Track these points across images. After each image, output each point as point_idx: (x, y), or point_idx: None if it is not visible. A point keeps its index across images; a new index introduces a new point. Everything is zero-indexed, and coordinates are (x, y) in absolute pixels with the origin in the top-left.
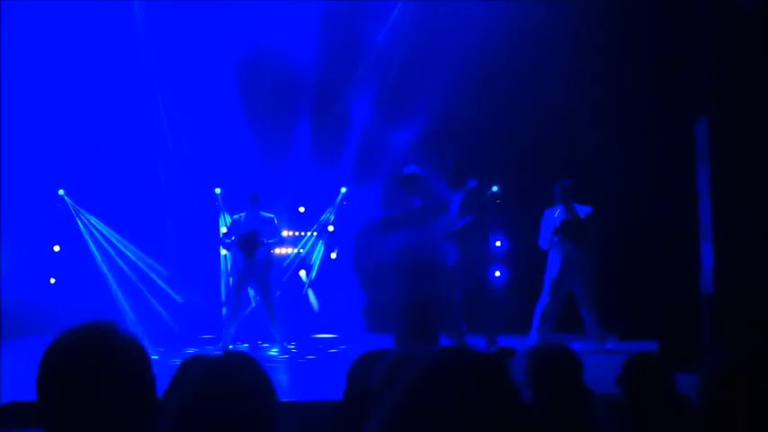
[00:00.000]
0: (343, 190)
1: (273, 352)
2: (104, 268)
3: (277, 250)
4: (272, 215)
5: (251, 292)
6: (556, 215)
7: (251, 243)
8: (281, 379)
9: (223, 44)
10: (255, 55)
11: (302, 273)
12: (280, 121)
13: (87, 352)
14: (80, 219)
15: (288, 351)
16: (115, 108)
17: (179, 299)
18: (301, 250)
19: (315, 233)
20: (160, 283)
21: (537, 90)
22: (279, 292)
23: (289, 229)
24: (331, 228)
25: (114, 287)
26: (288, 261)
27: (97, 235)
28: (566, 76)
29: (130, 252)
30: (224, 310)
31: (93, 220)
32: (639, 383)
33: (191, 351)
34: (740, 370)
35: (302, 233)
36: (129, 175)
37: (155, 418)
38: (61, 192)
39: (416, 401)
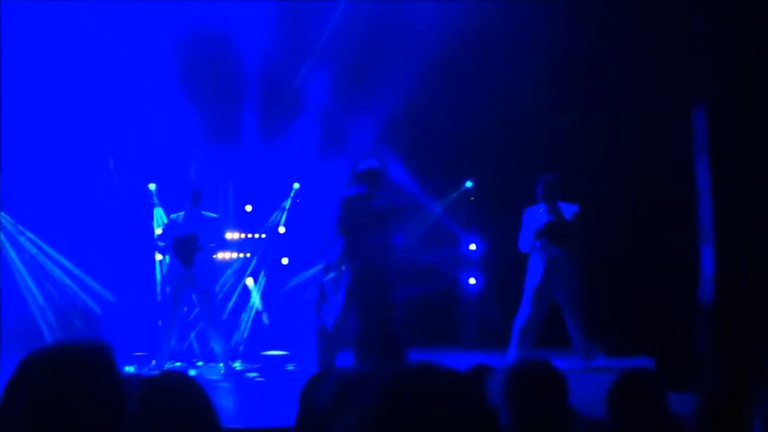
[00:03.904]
0: (296, 186)
1: (216, 372)
2: (26, 278)
3: (220, 255)
4: (215, 215)
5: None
6: (538, 215)
7: (189, 247)
8: (225, 403)
9: (160, 22)
10: (197, 34)
11: (249, 281)
12: (224, 110)
13: (56, 373)
14: None
15: (232, 371)
16: (37, 96)
17: (97, 309)
18: (248, 255)
19: (264, 235)
20: (82, 294)
21: (517, 75)
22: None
23: (234, 231)
24: (282, 229)
25: (34, 298)
26: (233, 268)
27: (18, 240)
28: (549, 59)
29: (51, 260)
30: (159, 324)
31: (10, 222)
32: (630, 405)
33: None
34: (743, 389)
35: (249, 235)
36: (51, 170)
37: None
38: None
39: (375, 427)
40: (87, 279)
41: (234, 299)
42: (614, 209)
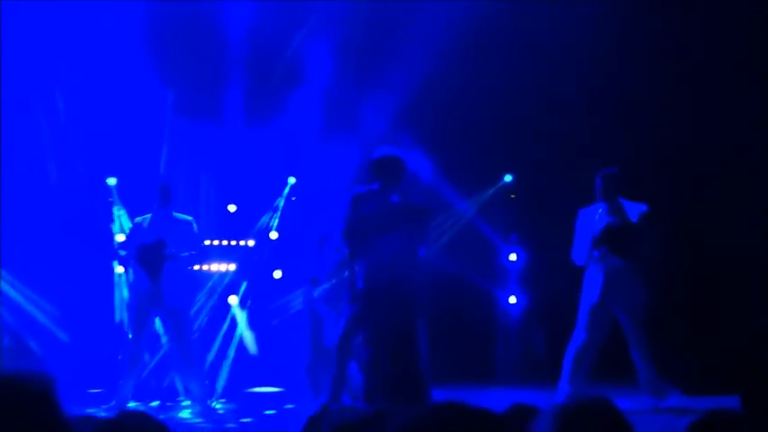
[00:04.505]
0: (292, 181)
1: (189, 413)
2: None
3: (196, 267)
4: (189, 217)
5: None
6: (597, 218)
7: (157, 257)
8: None
9: None
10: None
11: (233, 300)
12: (202, 84)
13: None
14: None
15: (211, 412)
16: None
17: (36, 349)
18: (231, 267)
19: (251, 242)
20: (9, 318)
21: (568, 52)
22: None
23: (214, 238)
24: (274, 234)
25: None
26: (212, 283)
27: None
28: (606, 29)
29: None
30: (120, 355)
31: None
32: None
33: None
34: None
35: (233, 242)
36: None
37: None
38: None
39: None
40: (26, 304)
41: (224, 327)
42: (688, 209)
